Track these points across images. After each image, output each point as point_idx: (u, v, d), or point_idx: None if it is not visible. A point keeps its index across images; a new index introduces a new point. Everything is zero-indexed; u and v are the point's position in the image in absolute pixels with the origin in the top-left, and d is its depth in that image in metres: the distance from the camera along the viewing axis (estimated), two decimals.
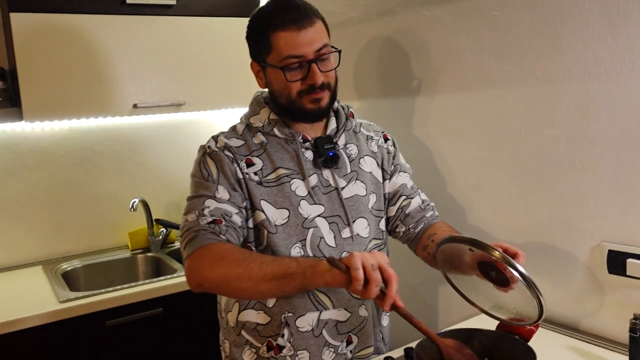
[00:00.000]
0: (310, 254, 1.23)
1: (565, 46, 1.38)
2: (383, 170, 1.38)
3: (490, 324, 1.24)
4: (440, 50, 1.69)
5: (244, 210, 1.22)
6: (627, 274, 1.30)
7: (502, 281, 1.09)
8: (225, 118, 2.56)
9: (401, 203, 1.39)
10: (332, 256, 1.05)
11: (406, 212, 1.39)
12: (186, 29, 2.17)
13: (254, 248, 1.25)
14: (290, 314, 1.24)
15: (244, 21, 2.32)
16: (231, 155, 1.23)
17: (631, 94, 1.27)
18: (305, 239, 1.24)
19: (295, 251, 1.23)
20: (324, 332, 1.26)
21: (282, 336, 1.24)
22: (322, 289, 1.26)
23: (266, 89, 1.31)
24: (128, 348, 1.88)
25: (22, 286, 1.97)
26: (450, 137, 1.71)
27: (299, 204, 1.23)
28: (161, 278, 1.97)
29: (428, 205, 1.42)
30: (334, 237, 1.26)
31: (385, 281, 1.01)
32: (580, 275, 1.42)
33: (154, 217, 2.35)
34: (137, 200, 2.25)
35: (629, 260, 1.29)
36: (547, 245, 1.48)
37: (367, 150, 1.36)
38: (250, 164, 1.24)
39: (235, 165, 1.23)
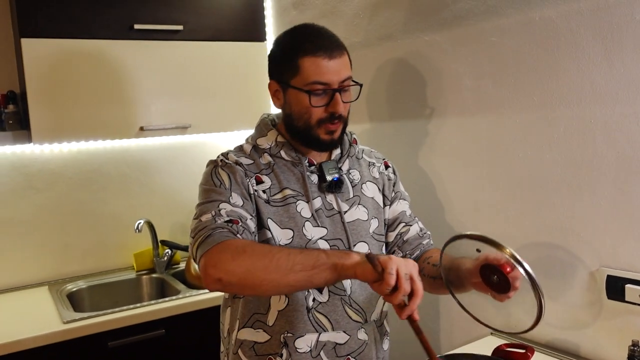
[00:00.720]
0: None
1: (561, 72, 1.39)
2: (384, 196, 1.40)
3: (488, 350, 1.23)
4: (440, 75, 1.71)
5: (255, 219, 1.22)
6: (626, 299, 1.29)
7: (503, 286, 1.10)
8: (230, 140, 2.59)
9: (400, 229, 1.40)
10: (371, 253, 1.05)
11: (404, 239, 1.40)
12: (193, 53, 2.22)
13: None
14: (289, 334, 1.24)
15: (250, 45, 2.36)
16: (242, 170, 1.25)
17: (626, 119, 1.27)
18: None
19: None
20: (322, 353, 1.26)
21: (281, 356, 1.24)
22: (321, 310, 1.26)
23: (273, 113, 1.35)
24: None
25: (27, 306, 1.99)
26: (449, 159, 1.72)
27: (304, 225, 1.25)
28: (164, 300, 1.98)
29: (425, 233, 1.43)
30: None
31: (412, 292, 1.01)
32: (580, 300, 1.41)
33: (159, 238, 2.37)
34: (142, 221, 2.27)
35: (628, 285, 1.29)
36: (546, 269, 1.47)
37: (369, 176, 1.38)
38: (259, 181, 1.25)
39: (247, 179, 1.24)
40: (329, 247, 1.27)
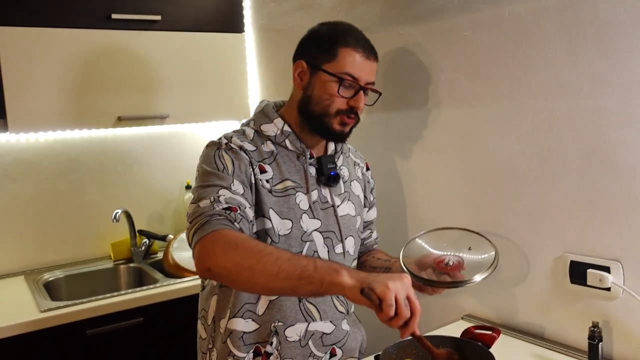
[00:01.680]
0: None
1: (529, 66, 1.45)
2: (365, 197, 1.49)
3: (457, 332, 1.29)
4: (414, 68, 1.76)
5: (253, 208, 1.22)
6: (588, 283, 1.36)
7: (453, 269, 1.23)
8: (208, 131, 2.61)
9: (366, 234, 1.54)
10: (365, 288, 0.97)
11: (365, 243, 1.54)
12: (171, 44, 2.22)
13: None
14: (280, 324, 1.27)
15: (228, 36, 2.38)
16: (247, 157, 1.25)
17: (589, 111, 1.33)
18: (301, 252, 1.28)
19: None
20: (310, 342, 1.30)
21: (271, 344, 1.27)
22: (311, 300, 1.30)
23: (271, 100, 1.38)
24: (108, 357, 1.90)
25: (3, 296, 1.99)
26: (423, 151, 1.77)
27: (301, 217, 1.28)
28: (142, 288, 2.00)
29: (377, 239, 1.60)
30: (328, 251, 1.32)
31: (411, 312, 0.98)
32: (545, 284, 1.47)
33: (137, 228, 2.38)
34: (119, 211, 2.28)
35: (589, 270, 1.35)
36: (513, 256, 1.53)
37: (355, 175, 1.45)
38: (263, 170, 1.26)
39: (251, 168, 1.24)
40: (322, 238, 1.31)
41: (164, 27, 2.20)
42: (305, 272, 1.00)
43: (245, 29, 2.43)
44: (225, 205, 1.13)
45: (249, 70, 2.48)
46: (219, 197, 1.14)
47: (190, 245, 1.14)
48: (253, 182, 1.24)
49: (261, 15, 2.40)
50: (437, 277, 1.22)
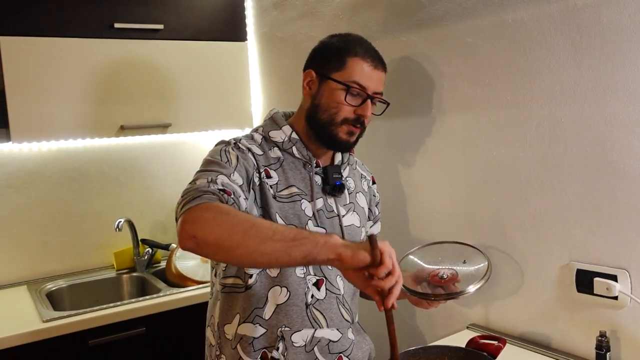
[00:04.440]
0: (312, 272, 1.29)
1: (533, 72, 1.43)
2: (370, 210, 1.49)
3: (462, 342, 1.27)
4: (416, 75, 1.75)
5: (248, 201, 1.20)
6: (595, 292, 1.34)
7: (447, 281, 1.24)
8: (211, 139, 2.60)
9: None
10: (373, 234, 1.00)
11: None
12: (173, 53, 2.22)
13: None
14: (287, 329, 1.27)
15: (230, 45, 2.38)
16: (253, 159, 1.26)
17: (594, 118, 1.32)
18: None
19: (300, 268, 1.28)
20: (315, 349, 1.29)
21: (277, 349, 1.26)
22: (318, 307, 1.29)
23: (280, 110, 1.38)
24: None
25: (5, 306, 1.98)
26: (426, 158, 1.76)
27: (307, 224, 1.29)
28: (145, 297, 1.99)
29: None
30: None
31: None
32: (551, 293, 1.45)
33: (139, 237, 2.37)
34: (122, 220, 2.27)
35: (596, 279, 1.33)
36: (519, 264, 1.52)
37: (360, 188, 1.46)
38: (268, 175, 1.28)
39: (255, 170, 1.25)
40: None
41: (167, 36, 2.21)
42: (300, 234, 1.00)
43: (247, 37, 2.43)
44: (221, 187, 1.12)
45: (252, 79, 2.47)
46: (216, 178, 1.14)
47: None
48: (257, 182, 1.25)
49: (263, 24, 2.40)
50: (432, 291, 1.23)
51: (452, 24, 1.62)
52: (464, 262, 1.29)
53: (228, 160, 1.22)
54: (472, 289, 1.19)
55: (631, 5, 1.23)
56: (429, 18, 1.68)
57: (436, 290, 1.23)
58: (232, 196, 1.12)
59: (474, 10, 1.56)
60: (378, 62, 1.29)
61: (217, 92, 2.34)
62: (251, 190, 1.23)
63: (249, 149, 1.28)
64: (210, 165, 1.21)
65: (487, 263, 1.25)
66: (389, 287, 0.98)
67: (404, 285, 1.23)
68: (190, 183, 1.16)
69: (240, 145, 1.28)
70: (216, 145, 1.31)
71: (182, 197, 1.11)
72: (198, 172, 1.20)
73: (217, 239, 1.00)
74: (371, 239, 0.97)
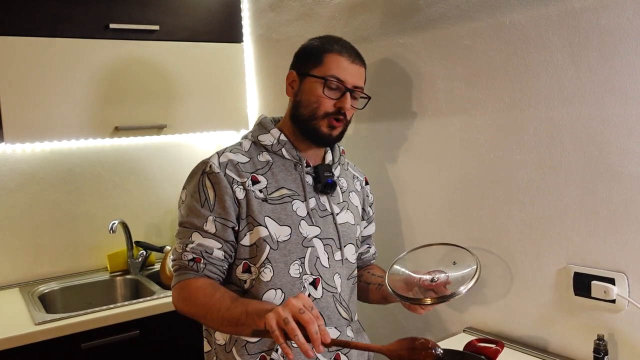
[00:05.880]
0: (309, 272, 1.29)
1: (531, 74, 1.43)
2: (363, 210, 1.50)
3: (460, 345, 1.26)
4: (414, 77, 1.74)
5: (229, 244, 1.28)
6: (592, 295, 1.33)
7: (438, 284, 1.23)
8: (207, 141, 2.59)
9: (363, 249, 1.54)
10: (255, 329, 1.09)
11: (362, 257, 1.54)
12: (169, 54, 2.21)
13: (249, 264, 1.28)
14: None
15: (227, 46, 2.38)
16: (233, 175, 1.28)
17: (592, 121, 1.32)
18: (304, 257, 1.30)
19: (294, 268, 1.28)
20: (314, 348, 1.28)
21: (276, 351, 1.26)
22: (316, 307, 1.27)
23: (269, 116, 1.41)
24: None
25: None
26: (423, 160, 1.75)
27: (300, 224, 1.30)
28: (138, 300, 1.97)
29: (375, 255, 1.60)
30: (328, 258, 1.33)
31: (303, 327, 1.01)
32: (548, 296, 1.44)
33: (133, 240, 2.35)
34: (116, 222, 2.25)
35: (594, 282, 1.33)
36: (516, 267, 1.51)
37: (353, 187, 1.47)
38: (255, 181, 1.29)
39: (237, 185, 1.27)
40: (322, 245, 1.32)
41: (162, 37, 2.19)
42: (240, 320, 1.14)
43: (243, 39, 2.42)
44: (191, 257, 1.26)
45: (248, 81, 2.46)
46: (187, 245, 1.26)
47: None
48: (242, 197, 1.27)
49: (260, 26, 2.39)
50: (423, 295, 1.23)
51: (449, 26, 1.62)
52: (454, 263, 1.28)
53: (206, 198, 1.27)
54: (463, 289, 1.18)
55: (629, 9, 1.23)
56: (426, 20, 1.68)
57: (427, 294, 1.23)
58: (203, 260, 1.26)
59: (471, 13, 1.55)
60: (355, 57, 1.32)
61: (212, 93, 2.33)
62: (238, 206, 1.28)
63: (229, 162, 1.29)
64: (189, 212, 1.28)
65: (476, 263, 1.24)
66: (303, 345, 1.00)
67: (395, 292, 1.25)
68: (176, 236, 1.31)
69: (217, 167, 1.28)
70: (196, 167, 1.33)
71: (172, 261, 1.31)
72: (180, 222, 1.31)
73: (192, 316, 1.26)
74: (253, 334, 1.10)
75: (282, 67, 2.30)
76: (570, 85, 1.35)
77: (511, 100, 1.48)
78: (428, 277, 1.24)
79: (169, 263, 2.16)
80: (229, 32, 2.37)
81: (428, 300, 1.20)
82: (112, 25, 2.06)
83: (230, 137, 2.49)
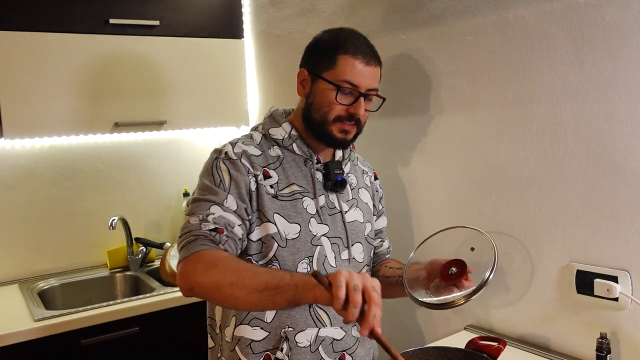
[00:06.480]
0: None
1: (534, 70, 1.42)
2: (374, 205, 1.48)
3: (461, 343, 1.25)
4: (416, 73, 1.73)
5: (247, 223, 1.22)
6: (595, 293, 1.32)
7: (458, 276, 1.20)
8: (207, 137, 2.58)
9: (377, 243, 1.51)
10: (317, 271, 1.03)
11: (376, 252, 1.52)
12: (169, 49, 2.20)
13: (254, 261, 1.25)
14: (290, 329, 1.25)
15: (227, 42, 2.37)
16: (248, 165, 1.25)
17: (596, 117, 1.31)
18: (312, 255, 1.27)
19: (302, 267, 1.26)
20: (320, 348, 1.28)
21: (281, 350, 1.25)
22: (321, 306, 1.27)
23: (280, 107, 1.38)
24: None
25: None
26: (424, 157, 1.74)
27: (309, 221, 1.28)
28: (138, 297, 1.96)
29: (390, 249, 1.57)
30: (334, 257, 1.30)
31: (366, 304, 0.95)
32: (551, 294, 1.44)
33: (133, 236, 2.34)
34: (116, 218, 2.24)
35: (596, 280, 1.32)
36: (518, 265, 1.50)
37: (363, 183, 1.45)
38: (267, 176, 1.26)
39: (251, 176, 1.24)
40: (330, 244, 1.30)
41: (163, 33, 2.18)
42: (282, 281, 1.04)
43: (244, 34, 2.41)
44: (212, 226, 1.16)
45: (248, 76, 2.45)
46: (207, 215, 1.17)
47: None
48: (254, 189, 1.24)
49: (260, 21, 2.38)
50: (444, 290, 1.21)
51: (452, 22, 1.60)
52: (472, 249, 1.26)
53: (221, 180, 1.22)
54: (488, 275, 1.16)
55: (634, 4, 1.22)
56: (429, 16, 1.67)
57: (447, 289, 1.20)
58: (225, 232, 1.16)
59: (474, 8, 1.54)
60: (370, 57, 1.26)
61: (213, 89, 2.32)
62: (249, 197, 1.23)
63: (244, 153, 1.26)
64: (204, 191, 1.21)
65: (493, 253, 1.21)
66: (352, 318, 0.94)
67: (415, 299, 1.24)
68: (186, 214, 1.20)
69: (231, 155, 1.25)
70: (210, 155, 1.29)
71: (180, 236, 1.17)
72: (193, 198, 1.22)
73: (208, 291, 1.10)
74: (314, 275, 0.96)
75: (282, 63, 2.29)
76: (574, 82, 1.34)
77: (514, 97, 1.47)
78: (447, 269, 1.21)
79: (169, 260, 2.16)
80: (230, 28, 2.36)
81: (461, 301, 1.17)
82: (112, 21, 2.05)
83: (230, 133, 2.48)
